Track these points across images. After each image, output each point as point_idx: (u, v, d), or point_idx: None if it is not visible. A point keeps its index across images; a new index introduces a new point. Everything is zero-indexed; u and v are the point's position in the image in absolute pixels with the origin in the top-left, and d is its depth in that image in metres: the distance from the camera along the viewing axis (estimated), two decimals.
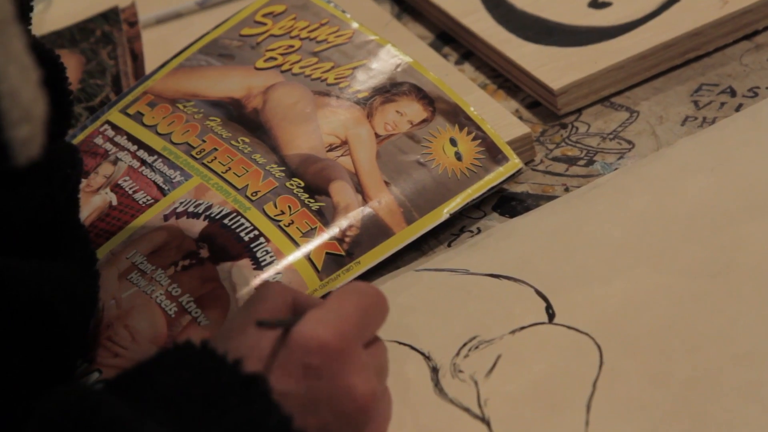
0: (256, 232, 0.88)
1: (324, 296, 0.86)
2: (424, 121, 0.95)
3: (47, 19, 1.16)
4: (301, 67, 0.99)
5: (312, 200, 0.90)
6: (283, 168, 0.92)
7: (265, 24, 1.03)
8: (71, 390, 0.65)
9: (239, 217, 0.89)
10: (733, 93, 0.98)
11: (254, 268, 0.87)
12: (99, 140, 0.97)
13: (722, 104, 0.97)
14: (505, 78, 1.06)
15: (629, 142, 0.96)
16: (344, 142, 0.94)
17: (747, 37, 1.04)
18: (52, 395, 0.65)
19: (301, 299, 0.73)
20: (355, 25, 1.02)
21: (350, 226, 0.89)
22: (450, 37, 1.13)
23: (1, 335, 0.74)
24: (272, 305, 0.72)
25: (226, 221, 0.89)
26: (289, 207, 0.90)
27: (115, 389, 0.66)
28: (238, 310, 0.73)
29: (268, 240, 0.88)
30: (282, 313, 0.71)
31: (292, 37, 1.02)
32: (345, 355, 0.68)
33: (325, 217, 0.90)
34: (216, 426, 0.63)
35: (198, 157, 0.94)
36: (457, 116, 0.95)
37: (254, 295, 0.74)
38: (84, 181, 0.90)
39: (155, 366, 0.67)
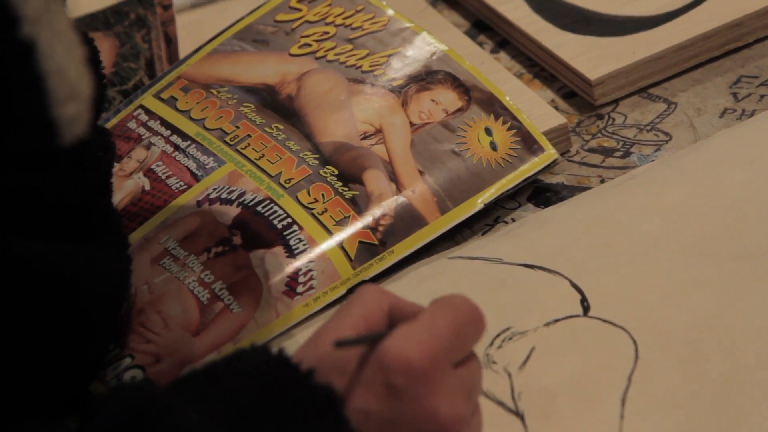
0: (290, 220, 0.88)
1: (356, 286, 0.86)
2: (459, 110, 0.94)
3: (82, 1, 1.15)
4: (336, 54, 0.99)
5: (345, 188, 0.90)
6: (317, 155, 0.92)
7: (300, 10, 1.03)
8: (139, 390, 0.65)
9: (272, 204, 0.89)
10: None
11: (287, 256, 0.86)
12: (132, 124, 0.97)
13: (762, 96, 0.97)
14: (541, 67, 1.05)
15: (666, 134, 0.95)
16: (378, 131, 0.93)
17: None
18: (117, 391, 0.65)
19: (398, 307, 0.71)
20: (390, 12, 1.02)
21: (384, 215, 0.89)
22: (486, 25, 1.12)
23: (29, 317, 0.75)
24: (368, 310, 0.70)
25: (259, 208, 0.89)
26: (323, 195, 0.89)
27: (182, 390, 0.65)
28: (333, 314, 0.71)
29: (301, 228, 0.88)
30: (377, 319, 0.70)
31: (327, 24, 1.01)
32: (431, 377, 0.66)
33: (359, 206, 0.89)
34: None
35: (231, 143, 0.93)
36: (492, 105, 0.94)
37: (350, 299, 0.72)
38: (117, 165, 0.90)
39: (222, 370, 0.67)
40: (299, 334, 0.84)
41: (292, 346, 0.80)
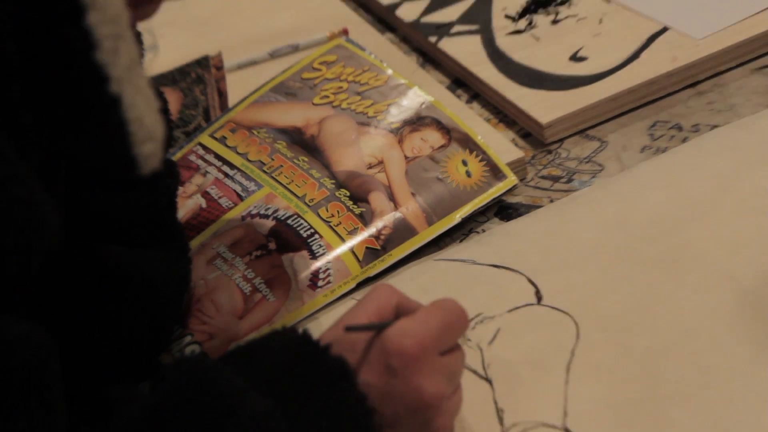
0: (312, 230, 0.90)
1: (363, 282, 0.88)
2: (442, 146, 0.96)
3: (155, 64, 1.17)
4: (348, 103, 1.01)
5: (355, 206, 0.91)
6: (333, 181, 0.94)
7: (320, 70, 1.05)
8: (192, 360, 0.66)
9: (299, 218, 0.91)
10: (680, 128, 0.99)
11: (310, 258, 0.88)
12: (192, 157, 0.99)
13: (672, 137, 0.98)
14: (504, 114, 1.07)
15: (600, 165, 0.97)
16: (380, 162, 0.95)
17: (691, 85, 1.05)
18: (179, 363, 0.65)
19: (403, 303, 0.71)
20: (389, 71, 1.04)
21: (384, 227, 0.90)
22: (462, 82, 1.14)
23: (116, 304, 0.75)
24: (380, 304, 0.70)
25: (289, 221, 0.91)
26: (338, 211, 0.91)
27: (228, 361, 0.66)
28: (355, 306, 0.71)
29: (321, 236, 0.89)
30: (386, 314, 0.69)
31: (341, 80, 1.03)
32: (420, 361, 0.66)
33: (365, 220, 0.91)
34: (305, 399, 0.63)
35: (268, 171, 0.95)
36: (467, 143, 0.96)
37: (368, 294, 0.72)
38: (181, 189, 0.91)
39: (259, 346, 0.67)
40: (321, 317, 0.86)
41: (315, 327, 0.83)
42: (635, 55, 1.06)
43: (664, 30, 1.09)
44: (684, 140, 0.97)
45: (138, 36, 0.81)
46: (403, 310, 0.70)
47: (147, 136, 0.60)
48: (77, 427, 0.56)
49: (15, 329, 0.52)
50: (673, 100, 1.03)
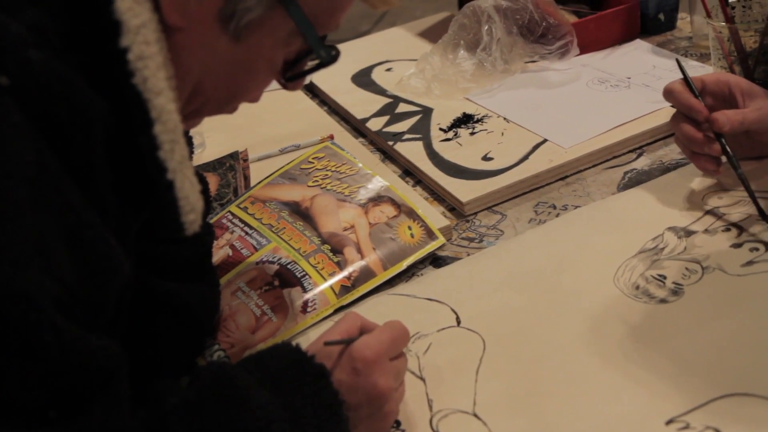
0: (305, 273, 0.88)
1: (338, 309, 0.86)
2: (394, 216, 0.95)
3: (203, 156, 1.16)
4: (331, 186, 1.00)
5: (334, 257, 0.90)
6: (320, 239, 0.93)
7: (313, 163, 1.04)
8: (219, 364, 0.65)
9: (296, 264, 0.89)
10: (554, 207, 0.99)
11: (303, 292, 0.87)
12: (224, 221, 0.97)
13: (549, 213, 0.98)
14: (437, 195, 1.06)
15: (501, 230, 0.97)
16: (352, 226, 0.94)
17: (561, 178, 1.05)
18: (210, 365, 0.65)
19: (365, 325, 0.70)
20: (360, 164, 1.03)
21: (354, 271, 0.89)
22: (409, 172, 1.13)
23: (167, 323, 0.74)
24: (349, 326, 0.69)
25: (288, 266, 0.89)
26: (322, 260, 0.90)
27: (244, 365, 0.65)
28: (331, 327, 0.70)
29: (310, 277, 0.88)
30: (353, 332, 0.69)
31: (327, 170, 1.03)
32: (376, 365, 0.65)
33: (341, 266, 0.89)
34: (296, 391, 0.62)
35: (275, 231, 0.94)
36: (412, 214, 0.96)
37: (341, 319, 0.71)
38: (215, 243, 0.89)
39: (266, 355, 0.66)
40: (309, 333, 0.84)
41: (304, 340, 0.82)
42: (525, 158, 1.06)
43: (544, 141, 1.09)
44: (557, 215, 0.96)
45: (190, 138, 0.81)
46: (365, 329, 0.70)
47: (191, 209, 0.60)
48: (136, 410, 0.55)
49: (97, 343, 0.51)
50: (549, 188, 1.03)
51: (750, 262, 0.82)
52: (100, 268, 0.53)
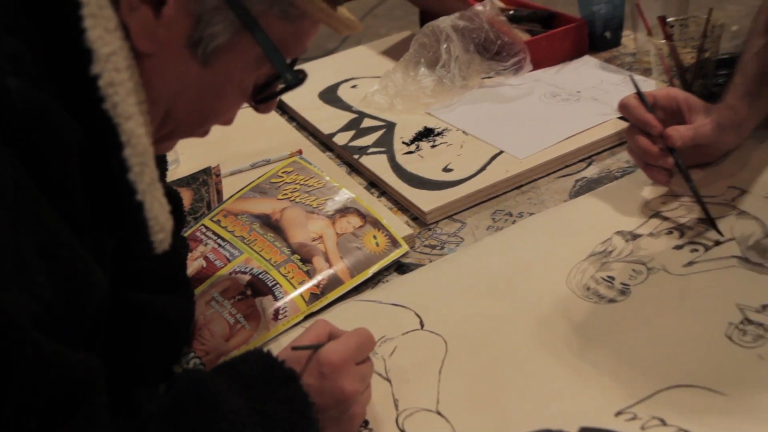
0: (276, 282, 0.88)
1: (308, 316, 0.86)
2: (360, 226, 0.96)
3: (177, 172, 1.16)
4: (300, 199, 1.00)
5: (304, 266, 0.90)
6: (290, 249, 0.93)
7: (282, 177, 1.04)
8: (194, 371, 0.66)
9: (267, 274, 0.89)
10: (510, 215, 1.00)
11: (274, 300, 0.87)
12: (198, 234, 0.97)
13: (506, 220, 0.99)
14: (402, 205, 1.06)
15: (461, 238, 0.97)
16: (320, 237, 0.94)
17: (517, 187, 1.06)
18: (185, 372, 0.65)
19: (333, 331, 0.70)
20: (327, 178, 1.03)
21: (322, 279, 0.89)
22: (375, 184, 1.13)
23: (143, 339, 0.73)
24: (318, 333, 0.69)
25: (260, 276, 0.89)
26: (292, 269, 0.90)
27: (216, 372, 0.65)
28: (300, 334, 0.70)
29: (281, 286, 0.88)
30: (321, 339, 0.68)
31: (295, 184, 1.03)
32: (343, 369, 0.66)
33: (310, 275, 0.89)
34: (267, 395, 0.62)
35: (247, 243, 0.94)
36: (377, 224, 0.96)
37: (310, 326, 0.71)
38: (190, 255, 0.89)
39: (239, 361, 0.66)
40: (280, 339, 0.84)
41: (276, 347, 0.82)
42: (483, 168, 1.07)
43: (501, 152, 1.10)
44: (514, 222, 0.97)
45: (163, 158, 0.81)
46: (332, 335, 0.70)
47: (160, 229, 0.59)
48: (116, 418, 0.55)
49: (76, 356, 0.51)
50: (506, 197, 1.03)
51: (691, 263, 0.83)
52: (77, 285, 0.53)
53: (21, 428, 0.48)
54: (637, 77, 1.27)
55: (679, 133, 0.90)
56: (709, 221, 0.88)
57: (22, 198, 0.50)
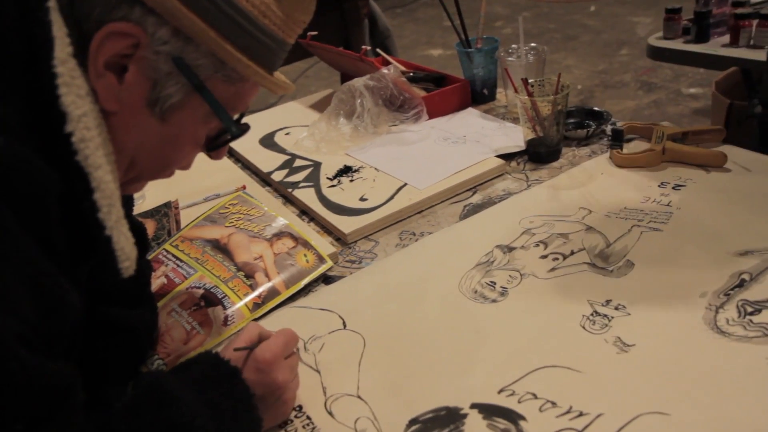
0: (225, 294, 0.87)
1: (255, 320, 0.84)
2: (293, 247, 0.95)
3: (143, 206, 1.13)
4: (244, 226, 0.99)
5: (248, 281, 0.89)
6: (236, 268, 0.91)
7: (229, 208, 1.03)
8: (153, 372, 0.64)
9: (218, 288, 0.87)
10: (414, 234, 1.01)
11: (224, 310, 0.85)
12: (160, 256, 0.94)
13: (410, 238, 1.00)
14: (327, 228, 1.06)
15: (375, 254, 0.98)
16: (261, 256, 0.93)
17: (419, 212, 1.06)
18: (146, 373, 0.63)
19: (262, 332, 0.69)
20: (266, 208, 1.02)
21: (263, 291, 0.88)
22: (305, 212, 1.12)
23: (114, 346, 0.71)
24: (250, 335, 0.68)
25: (212, 290, 0.87)
26: (238, 284, 0.88)
27: (174, 371, 0.64)
28: (237, 335, 0.69)
29: (229, 298, 0.86)
30: (253, 340, 0.68)
31: (240, 214, 1.01)
32: (274, 364, 0.65)
33: (253, 288, 0.88)
34: (215, 389, 0.61)
35: (200, 263, 0.92)
36: (306, 245, 0.95)
37: (243, 329, 0.70)
38: (153, 274, 0.87)
39: (192, 362, 0.65)
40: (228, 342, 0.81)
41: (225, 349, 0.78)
42: (391, 197, 1.08)
43: (405, 185, 1.11)
44: (416, 240, 0.98)
45: (130, 197, 0.79)
46: (262, 336, 0.70)
47: (126, 258, 0.58)
48: (89, 415, 0.53)
49: (55, 367, 0.50)
50: (410, 220, 1.04)
51: (553, 269, 0.86)
52: (56, 306, 0.51)
53: (6, 429, 0.47)
54: (509, 124, 1.31)
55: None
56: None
57: (8, 236, 0.48)
